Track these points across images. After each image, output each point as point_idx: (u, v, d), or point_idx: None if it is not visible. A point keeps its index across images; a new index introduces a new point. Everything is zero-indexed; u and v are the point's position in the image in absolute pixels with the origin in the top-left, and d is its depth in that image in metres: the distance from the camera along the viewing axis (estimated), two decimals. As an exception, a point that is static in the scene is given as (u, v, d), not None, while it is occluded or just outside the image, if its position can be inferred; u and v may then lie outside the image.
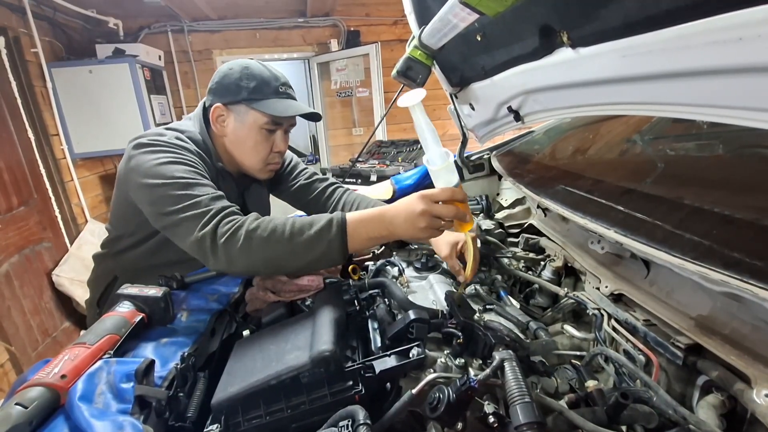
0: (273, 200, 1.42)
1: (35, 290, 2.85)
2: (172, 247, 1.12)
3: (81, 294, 2.99)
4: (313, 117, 1.16)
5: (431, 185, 0.86)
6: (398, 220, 0.85)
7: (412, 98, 0.80)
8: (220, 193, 0.96)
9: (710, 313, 0.64)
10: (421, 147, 3.58)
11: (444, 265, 1.10)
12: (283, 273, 0.87)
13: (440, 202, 0.83)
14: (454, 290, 0.93)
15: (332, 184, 1.36)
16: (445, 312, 0.83)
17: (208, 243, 0.86)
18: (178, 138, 1.05)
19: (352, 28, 4.64)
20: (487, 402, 0.58)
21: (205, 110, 1.14)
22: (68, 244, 3.20)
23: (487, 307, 0.92)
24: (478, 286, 1.02)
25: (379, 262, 1.11)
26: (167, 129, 1.09)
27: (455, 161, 0.88)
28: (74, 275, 3.04)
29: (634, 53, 0.62)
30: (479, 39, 1.02)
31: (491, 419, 0.56)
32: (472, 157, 1.61)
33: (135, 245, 1.14)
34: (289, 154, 1.35)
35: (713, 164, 1.01)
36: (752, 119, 0.52)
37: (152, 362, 0.70)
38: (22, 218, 2.81)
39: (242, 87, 1.06)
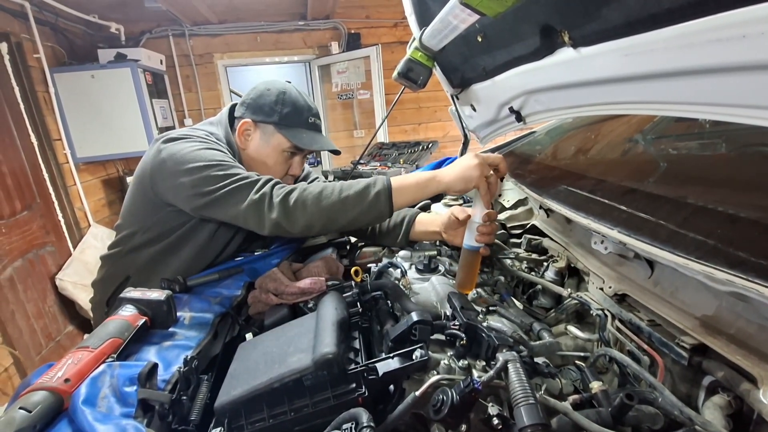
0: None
1: (39, 294, 2.86)
2: (189, 243, 1.13)
3: (84, 298, 3.00)
4: (334, 152, 1.26)
5: None
6: (447, 170, 0.95)
7: None
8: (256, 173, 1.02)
9: (715, 313, 0.64)
10: (422, 148, 3.60)
11: (445, 266, 1.10)
12: (336, 227, 0.98)
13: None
14: (457, 291, 0.93)
15: None
16: (447, 313, 0.83)
17: (267, 202, 0.95)
18: (207, 134, 1.11)
19: (352, 31, 4.65)
20: (491, 404, 0.58)
21: (231, 118, 1.19)
22: (71, 248, 3.21)
23: (491, 308, 0.92)
24: (480, 288, 1.01)
25: (381, 264, 1.11)
26: (194, 129, 1.14)
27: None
28: (77, 279, 3.06)
29: (635, 52, 0.62)
30: (480, 40, 1.02)
31: (495, 421, 0.55)
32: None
33: (150, 242, 1.14)
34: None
35: (716, 163, 1.01)
36: (756, 117, 0.51)
37: (155, 365, 0.70)
38: (26, 222, 2.83)
39: (275, 111, 1.13)
